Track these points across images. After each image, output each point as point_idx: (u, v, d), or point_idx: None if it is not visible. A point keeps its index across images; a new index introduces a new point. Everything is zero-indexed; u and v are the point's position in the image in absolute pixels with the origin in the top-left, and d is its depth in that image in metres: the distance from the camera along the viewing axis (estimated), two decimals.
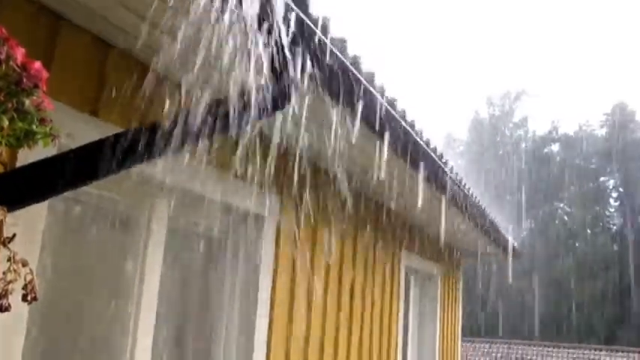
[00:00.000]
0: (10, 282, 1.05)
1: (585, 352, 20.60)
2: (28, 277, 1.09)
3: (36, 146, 1.18)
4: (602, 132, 55.55)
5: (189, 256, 2.72)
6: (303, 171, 3.09)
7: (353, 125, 2.35)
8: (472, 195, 4.31)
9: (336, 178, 3.48)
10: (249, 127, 1.59)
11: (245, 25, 1.55)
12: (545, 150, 55.72)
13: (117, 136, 1.38)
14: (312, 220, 3.49)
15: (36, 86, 1.09)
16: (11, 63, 1.06)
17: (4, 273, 1.07)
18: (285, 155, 2.73)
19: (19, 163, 1.56)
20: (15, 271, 1.06)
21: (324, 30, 2.05)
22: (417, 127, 3.04)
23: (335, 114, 2.30)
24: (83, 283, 2.26)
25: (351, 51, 2.34)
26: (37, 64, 1.09)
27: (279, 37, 1.59)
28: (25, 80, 1.06)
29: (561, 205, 53.45)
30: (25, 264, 1.08)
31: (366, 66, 2.52)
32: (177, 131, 1.41)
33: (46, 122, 1.14)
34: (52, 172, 1.34)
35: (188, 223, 2.64)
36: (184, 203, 2.47)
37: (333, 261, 3.79)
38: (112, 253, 2.30)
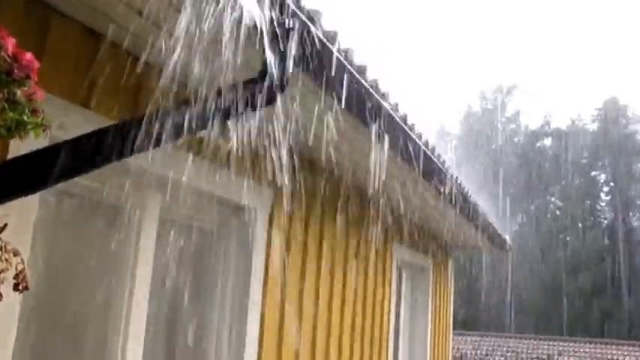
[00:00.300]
0: (1, 271, 1.06)
1: (576, 344, 20.76)
2: (20, 267, 1.09)
3: (27, 138, 1.18)
4: (593, 126, 55.82)
5: (181, 247, 2.73)
6: (296, 163, 3.09)
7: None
8: (456, 179, 4.32)
9: (327, 169, 3.49)
10: (242, 120, 1.59)
11: (238, 17, 1.55)
12: (538, 144, 55.93)
13: (109, 128, 1.38)
14: (305, 213, 3.50)
15: (27, 77, 1.09)
16: (2, 53, 1.06)
17: None
18: (277, 147, 2.74)
19: (10, 155, 1.56)
20: (6, 260, 1.06)
21: (316, 23, 2.05)
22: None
23: (323, 103, 2.31)
24: (74, 274, 2.26)
25: (343, 44, 2.35)
26: (29, 55, 1.09)
27: (272, 29, 1.60)
28: (16, 71, 1.06)
29: (553, 199, 53.73)
30: (16, 253, 1.08)
31: (358, 59, 2.53)
32: (169, 123, 1.41)
33: (37, 113, 1.14)
34: (43, 163, 1.33)
35: (180, 215, 2.65)
36: (176, 195, 2.47)
37: (326, 252, 3.81)
38: (103, 244, 2.30)
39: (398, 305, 5.79)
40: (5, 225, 1.10)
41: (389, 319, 5.06)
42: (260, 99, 1.52)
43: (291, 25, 1.71)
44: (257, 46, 1.54)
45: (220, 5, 1.51)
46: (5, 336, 1.67)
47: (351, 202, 4.07)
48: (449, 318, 7.68)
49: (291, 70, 1.60)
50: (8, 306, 1.46)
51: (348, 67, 2.37)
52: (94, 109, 1.98)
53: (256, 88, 1.50)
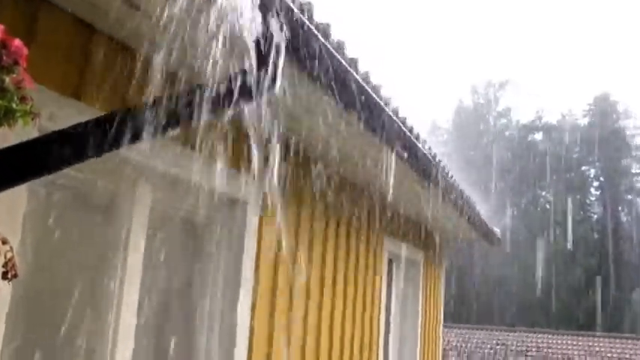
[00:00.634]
0: None
1: (565, 337, 20.92)
2: (9, 255, 1.09)
3: (17, 129, 1.17)
4: (584, 121, 56.10)
5: (172, 239, 2.72)
6: (285, 156, 3.09)
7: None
8: (448, 171, 4.33)
9: (318, 162, 3.49)
10: (233, 112, 1.59)
11: (229, 9, 1.54)
12: (529, 139, 56.15)
13: (99, 119, 1.37)
14: (296, 206, 3.50)
15: (16, 63, 1.08)
16: None
17: None
18: (268, 139, 2.73)
19: None
20: None
21: (308, 15, 2.05)
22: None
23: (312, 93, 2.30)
24: (64, 266, 2.24)
25: (335, 37, 2.35)
26: (17, 41, 1.08)
27: (265, 20, 1.59)
28: (4, 57, 1.05)
29: (543, 193, 54.00)
30: (5, 242, 1.08)
31: (350, 52, 2.52)
32: (160, 115, 1.41)
33: (26, 100, 1.13)
34: (33, 154, 1.33)
35: (171, 207, 2.64)
36: (167, 187, 2.46)
37: (317, 245, 3.81)
38: (93, 235, 2.29)
39: (389, 298, 5.82)
40: None
41: (380, 311, 5.08)
42: (253, 91, 1.52)
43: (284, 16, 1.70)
44: (248, 35, 1.53)
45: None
46: None
47: (343, 194, 4.07)
48: (439, 310, 7.72)
49: (283, 61, 1.59)
50: None
51: (338, 57, 2.37)
52: (86, 101, 1.97)
53: (248, 79, 1.49)
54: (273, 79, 1.51)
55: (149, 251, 2.40)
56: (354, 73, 2.53)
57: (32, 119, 1.16)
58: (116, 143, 1.37)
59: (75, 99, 1.95)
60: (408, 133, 3.29)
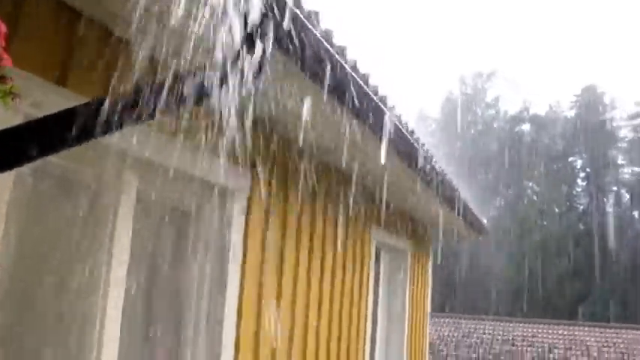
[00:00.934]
0: None
1: (550, 326, 21.13)
2: None
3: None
4: (571, 113, 56.46)
5: (158, 228, 2.71)
6: (274, 145, 3.08)
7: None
8: (435, 161, 4.34)
9: (305, 151, 3.48)
10: (220, 98, 1.58)
11: None
12: (516, 130, 56.43)
13: (84, 105, 1.36)
14: (283, 195, 3.50)
15: None
16: None
17: None
18: (255, 128, 2.72)
19: None
20: None
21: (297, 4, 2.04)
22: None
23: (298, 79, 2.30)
24: (49, 255, 2.23)
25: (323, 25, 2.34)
26: None
27: (251, 5, 1.57)
28: None
29: (530, 184, 54.37)
30: None
31: (337, 41, 2.51)
32: (147, 101, 1.39)
33: (6, 80, 1.10)
34: (16, 141, 1.31)
35: (157, 195, 2.62)
36: (153, 175, 2.45)
37: (304, 235, 3.81)
38: (79, 224, 2.27)
39: (376, 287, 5.84)
40: None
41: (367, 301, 5.10)
42: (239, 78, 1.51)
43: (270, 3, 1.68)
44: (236, 23, 1.51)
45: None
46: None
47: (331, 183, 4.07)
48: (427, 300, 7.75)
49: (270, 49, 1.58)
50: None
51: (329, 47, 2.36)
52: (71, 88, 1.95)
53: (236, 67, 1.48)
54: (260, 67, 1.50)
55: (135, 239, 2.39)
56: (344, 63, 2.53)
57: (12, 99, 1.13)
58: (101, 130, 1.35)
59: (61, 86, 1.93)
60: (397, 122, 3.29)
